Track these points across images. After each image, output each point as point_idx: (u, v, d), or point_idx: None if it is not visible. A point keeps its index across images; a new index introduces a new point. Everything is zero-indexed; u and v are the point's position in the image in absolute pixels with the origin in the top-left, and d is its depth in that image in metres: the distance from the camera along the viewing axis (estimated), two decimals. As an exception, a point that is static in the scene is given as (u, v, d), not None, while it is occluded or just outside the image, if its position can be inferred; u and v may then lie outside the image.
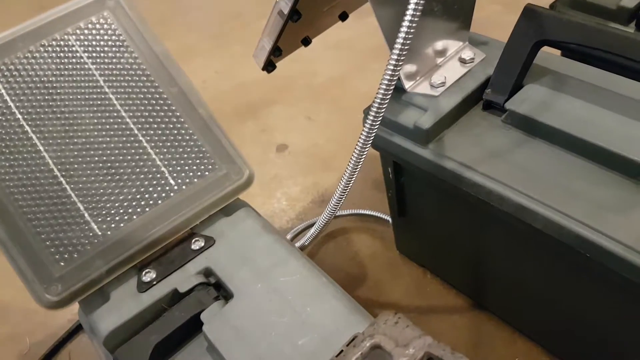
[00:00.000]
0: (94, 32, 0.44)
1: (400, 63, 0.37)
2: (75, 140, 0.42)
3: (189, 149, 0.45)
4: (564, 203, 0.38)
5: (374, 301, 0.64)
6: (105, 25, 0.45)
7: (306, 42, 0.58)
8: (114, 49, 0.45)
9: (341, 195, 0.46)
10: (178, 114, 0.45)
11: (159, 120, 0.44)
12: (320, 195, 0.77)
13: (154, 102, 0.45)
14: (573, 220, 0.37)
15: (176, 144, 0.45)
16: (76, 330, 0.62)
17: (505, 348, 0.56)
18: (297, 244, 0.59)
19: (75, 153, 0.42)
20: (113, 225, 0.41)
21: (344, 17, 0.59)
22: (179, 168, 0.44)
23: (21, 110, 0.41)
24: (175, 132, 0.45)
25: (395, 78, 0.38)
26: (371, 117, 0.40)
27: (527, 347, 0.55)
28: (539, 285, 0.47)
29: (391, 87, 0.38)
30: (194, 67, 1.04)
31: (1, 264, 0.71)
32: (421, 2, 0.34)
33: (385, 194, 0.60)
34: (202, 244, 0.43)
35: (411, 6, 0.35)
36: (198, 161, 0.45)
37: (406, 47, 0.36)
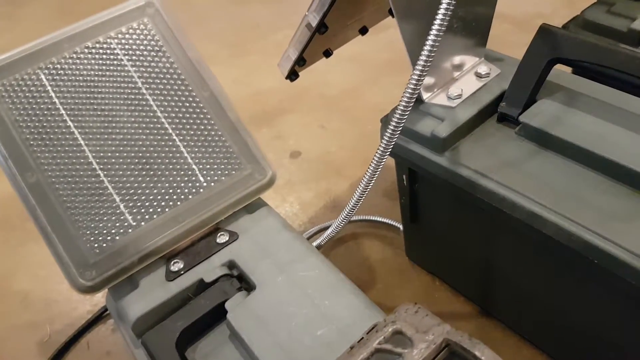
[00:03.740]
0: (134, 36, 0.47)
1: (423, 76, 0.39)
2: (114, 136, 0.45)
3: (217, 149, 0.47)
4: (574, 211, 0.40)
5: (382, 305, 0.65)
6: (145, 31, 0.48)
7: (327, 53, 0.61)
8: (152, 53, 0.48)
9: (359, 198, 0.48)
10: (209, 116, 0.48)
11: (192, 121, 0.47)
12: (332, 200, 0.79)
13: (187, 104, 0.47)
14: (582, 227, 0.39)
15: (206, 143, 0.47)
16: (95, 320, 0.64)
17: (511, 356, 0.57)
18: (313, 244, 0.61)
19: (113, 148, 0.44)
20: (146, 217, 0.44)
21: (364, 31, 0.62)
22: (208, 166, 0.47)
23: (65, 107, 0.44)
24: (206, 132, 0.47)
25: (417, 90, 0.40)
26: (392, 126, 0.42)
27: (532, 354, 0.57)
28: (547, 293, 0.49)
29: (413, 99, 0.40)
30: (212, 75, 1.08)
31: (26, 253, 0.74)
32: (446, 19, 0.37)
33: (395, 202, 0.62)
34: (227, 238, 0.46)
35: (437, 22, 0.37)
36: (226, 160, 0.47)
37: (430, 61, 0.38)
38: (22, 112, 0.43)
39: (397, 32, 0.45)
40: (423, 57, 0.39)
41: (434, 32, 0.38)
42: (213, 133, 0.48)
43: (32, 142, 0.43)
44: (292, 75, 0.59)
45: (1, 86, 0.43)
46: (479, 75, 0.51)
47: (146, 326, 0.41)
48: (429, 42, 0.38)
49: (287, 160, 0.87)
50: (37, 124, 0.43)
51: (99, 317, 0.65)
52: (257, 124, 0.94)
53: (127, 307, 0.42)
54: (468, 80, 0.51)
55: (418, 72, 0.39)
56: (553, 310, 0.50)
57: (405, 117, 0.41)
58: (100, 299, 0.67)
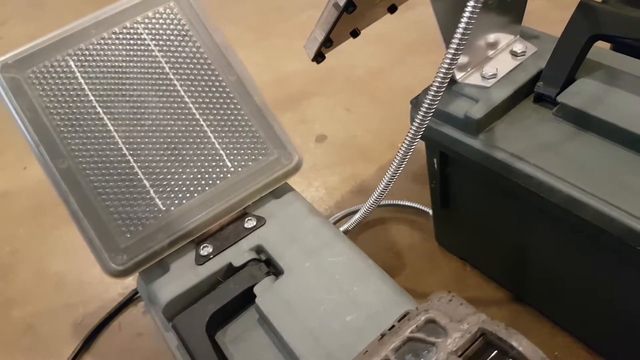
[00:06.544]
0: (160, 21, 0.47)
1: (458, 55, 0.38)
2: (143, 122, 0.45)
3: (244, 134, 0.47)
4: (616, 196, 0.38)
5: (411, 291, 0.64)
6: (171, 15, 0.47)
7: (355, 34, 0.59)
8: (178, 37, 0.47)
9: (389, 182, 0.47)
10: (235, 100, 0.47)
11: (218, 106, 0.47)
12: (358, 185, 0.78)
13: (214, 89, 0.47)
14: (624, 212, 0.37)
15: (233, 128, 0.47)
16: (126, 303, 0.66)
17: (544, 342, 0.56)
18: (341, 229, 0.61)
19: (142, 134, 0.45)
20: (176, 202, 0.44)
21: (392, 9, 0.60)
22: (235, 151, 0.46)
23: (94, 93, 0.44)
24: (233, 117, 0.47)
25: (452, 70, 0.39)
26: (424, 108, 0.41)
27: (566, 341, 0.55)
28: (584, 279, 0.47)
29: (447, 79, 0.39)
30: (236, 59, 1.07)
31: (59, 237, 0.76)
32: (482, -6, 0.35)
33: (423, 186, 0.60)
34: (254, 223, 0.46)
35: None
36: (252, 145, 0.47)
37: (465, 40, 0.37)
38: (52, 98, 0.44)
39: (424, 11, 0.43)
40: (458, 35, 0.37)
41: (469, 8, 0.36)
42: (240, 118, 0.47)
43: (62, 129, 0.43)
44: (319, 57, 0.58)
45: (31, 73, 0.44)
46: (514, 54, 0.49)
47: (176, 309, 0.41)
48: (464, 19, 0.36)
49: (312, 144, 0.86)
50: (67, 110, 0.44)
51: (130, 300, 0.66)
52: (282, 108, 0.93)
53: (157, 290, 0.42)
54: (503, 59, 0.49)
55: (452, 51, 0.38)
56: (590, 296, 0.48)
57: (439, 98, 0.40)
58: (131, 281, 0.68)
